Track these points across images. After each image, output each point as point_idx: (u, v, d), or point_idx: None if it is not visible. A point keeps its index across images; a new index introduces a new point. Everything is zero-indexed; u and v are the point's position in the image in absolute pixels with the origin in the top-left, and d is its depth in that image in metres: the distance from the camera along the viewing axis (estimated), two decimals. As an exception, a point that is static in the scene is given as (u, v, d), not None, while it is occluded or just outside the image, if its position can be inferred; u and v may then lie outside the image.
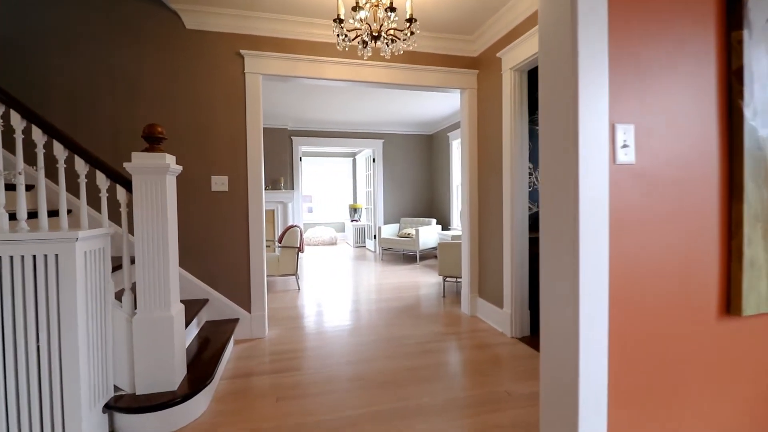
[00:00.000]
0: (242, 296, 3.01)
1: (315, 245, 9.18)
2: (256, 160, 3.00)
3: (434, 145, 7.56)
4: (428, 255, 7.00)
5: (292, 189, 6.99)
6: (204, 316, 2.94)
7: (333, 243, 9.39)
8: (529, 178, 3.56)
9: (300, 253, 4.90)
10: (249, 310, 3.02)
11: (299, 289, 4.68)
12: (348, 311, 3.72)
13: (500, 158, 3.11)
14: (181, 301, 2.85)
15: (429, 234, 6.39)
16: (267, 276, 4.56)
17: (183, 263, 2.90)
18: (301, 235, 4.72)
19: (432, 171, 7.69)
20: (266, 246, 5.53)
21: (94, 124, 2.76)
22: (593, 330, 1.09)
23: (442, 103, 5.66)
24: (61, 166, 1.82)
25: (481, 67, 3.40)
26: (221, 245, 2.96)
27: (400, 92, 5.03)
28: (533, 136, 3.60)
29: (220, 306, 2.96)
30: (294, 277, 4.72)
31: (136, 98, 2.81)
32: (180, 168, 2.00)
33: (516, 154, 2.94)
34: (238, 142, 2.97)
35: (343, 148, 8.29)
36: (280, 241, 4.68)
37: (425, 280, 5.04)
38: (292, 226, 4.68)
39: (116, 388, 1.89)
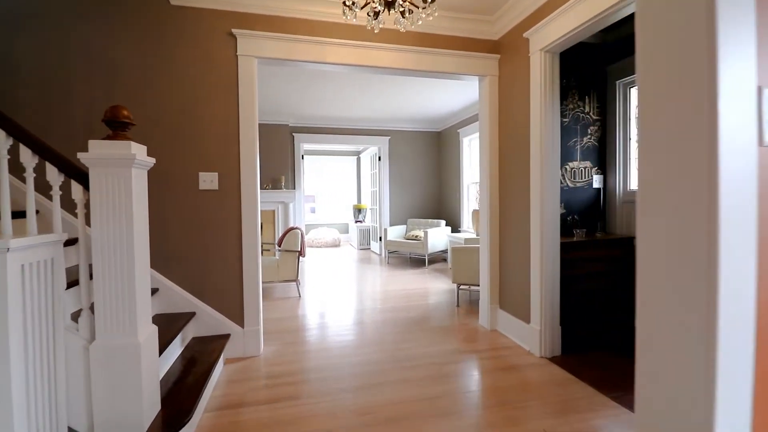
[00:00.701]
0: (234, 309, 2.66)
1: (317, 247, 8.83)
2: (251, 154, 2.64)
3: (443, 143, 7.19)
4: (437, 258, 6.62)
5: (294, 188, 6.64)
6: (190, 331, 2.58)
7: (336, 245, 9.04)
8: (556, 175, 3.19)
9: (301, 257, 4.55)
10: (242, 325, 2.66)
11: (300, 296, 4.33)
12: (352, 323, 3.36)
13: (527, 153, 2.73)
14: (164, 315, 2.51)
15: (438, 236, 6.02)
16: (266, 282, 4.22)
17: (166, 272, 2.55)
18: (302, 237, 4.37)
19: (441, 170, 7.32)
20: (266, 249, 5.20)
21: (67, 113, 2.42)
22: (735, 378, 0.72)
23: (452, 98, 5.29)
24: (4, 158, 1.48)
25: (503, 50, 3.03)
26: (210, 251, 2.61)
27: (408, 86, 4.67)
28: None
29: (209, 320, 2.61)
30: (295, 283, 4.37)
31: (115, 84, 2.47)
32: (152, 161, 1.65)
33: (547, 148, 2.57)
34: (230, 134, 2.62)
35: (347, 145, 7.95)
36: (279, 245, 4.33)
37: (435, 287, 4.67)
38: (292, 228, 4.33)
39: (71, 431, 1.54)
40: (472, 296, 4.17)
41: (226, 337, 2.61)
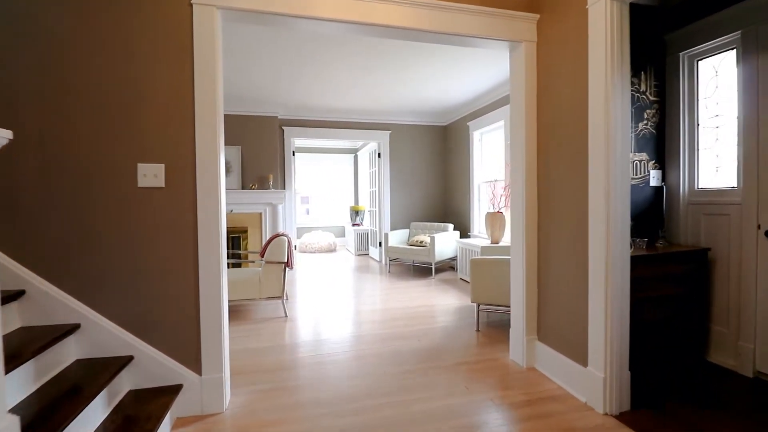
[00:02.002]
0: (187, 349, 1.96)
1: (311, 252, 8.12)
2: (211, 139, 1.95)
3: (450, 137, 6.51)
4: (443, 267, 5.94)
5: (283, 188, 5.94)
6: (125, 383, 1.88)
7: (332, 250, 8.34)
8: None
9: (288, 269, 3.85)
10: (198, 371, 1.96)
11: (286, 316, 3.62)
12: (351, 356, 2.66)
13: (583, 142, 2.05)
14: (87, 362, 1.81)
15: (446, 242, 5.34)
16: (246, 300, 3.52)
17: (92, 302, 1.85)
18: (289, 246, 3.67)
19: (448, 168, 6.63)
20: (251, 261, 4.52)
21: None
22: None
23: (462, 85, 4.61)
24: None
25: (545, 8, 2.36)
26: (154, 272, 1.91)
27: (412, 71, 3.99)
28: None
29: (152, 366, 1.91)
30: (280, 300, 3.67)
31: (22, 42, 1.76)
32: (4, 135, 0.95)
33: (615, 134, 1.89)
34: (182, 112, 1.92)
35: (344, 141, 7.28)
36: (262, 255, 3.63)
37: (445, 303, 3.98)
38: (277, 235, 3.63)
39: None
40: (491, 317, 3.48)
41: (176, 389, 1.90)
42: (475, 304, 3.30)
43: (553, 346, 2.30)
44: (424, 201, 6.60)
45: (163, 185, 1.89)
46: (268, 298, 3.59)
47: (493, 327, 3.21)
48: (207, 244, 1.95)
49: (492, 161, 5.34)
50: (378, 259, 6.70)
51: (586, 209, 2.03)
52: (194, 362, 1.95)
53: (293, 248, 4.05)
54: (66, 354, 1.81)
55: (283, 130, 5.97)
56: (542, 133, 2.40)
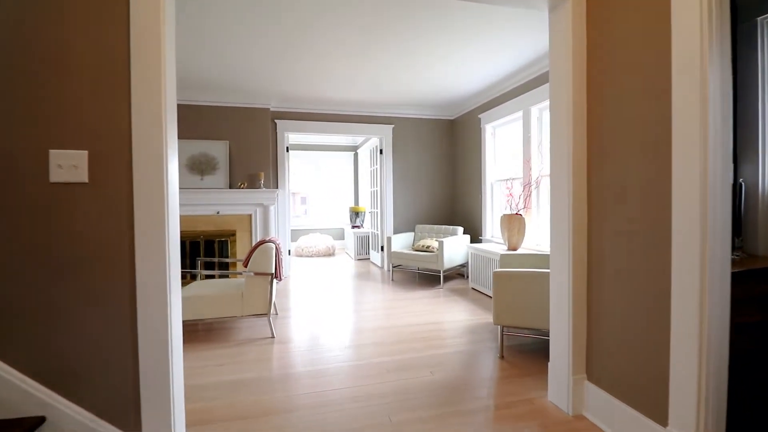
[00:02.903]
0: (121, 403, 1.43)
1: (308, 257, 7.60)
2: (154, 116, 1.42)
3: (459, 132, 5.98)
4: (452, 274, 5.41)
5: (276, 188, 5.42)
6: (32, 454, 1.36)
7: (330, 254, 7.80)
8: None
9: (276, 281, 3.33)
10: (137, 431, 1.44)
11: (273, 336, 3.10)
12: (348, 396, 2.13)
13: (662, 125, 1.53)
14: (-29, 430, 1.28)
15: (456, 247, 4.81)
16: (226, 317, 3.00)
17: (-17, 341, 1.33)
18: (278, 254, 3.15)
19: (457, 165, 6.10)
20: (239, 273, 3.98)
21: None
22: None
23: (471, 73, 4.09)
24: None
25: (597, -46, 1.84)
26: (74, 301, 1.38)
27: (417, 56, 3.47)
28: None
29: (73, 430, 1.38)
30: (266, 317, 3.14)
31: None
32: None
33: (714, 118, 1.36)
34: (112, 78, 1.39)
35: (343, 136, 6.76)
36: (245, 265, 3.10)
37: (457, 319, 3.46)
38: (263, 242, 3.11)
39: None
40: (512, 339, 2.95)
41: (106, 461, 1.38)
42: (497, 326, 2.76)
43: (612, 392, 1.77)
44: (430, 202, 6.07)
45: (86, 180, 1.37)
46: (252, 315, 3.06)
47: (519, 353, 2.68)
48: (148, 259, 1.42)
49: (507, 157, 4.81)
50: (380, 265, 6.17)
51: (666, 211, 1.51)
52: (131, 422, 1.43)
53: (282, 256, 3.53)
54: (-54, 417, 1.29)
55: (275, 124, 5.44)
56: (594, 114, 1.87)
